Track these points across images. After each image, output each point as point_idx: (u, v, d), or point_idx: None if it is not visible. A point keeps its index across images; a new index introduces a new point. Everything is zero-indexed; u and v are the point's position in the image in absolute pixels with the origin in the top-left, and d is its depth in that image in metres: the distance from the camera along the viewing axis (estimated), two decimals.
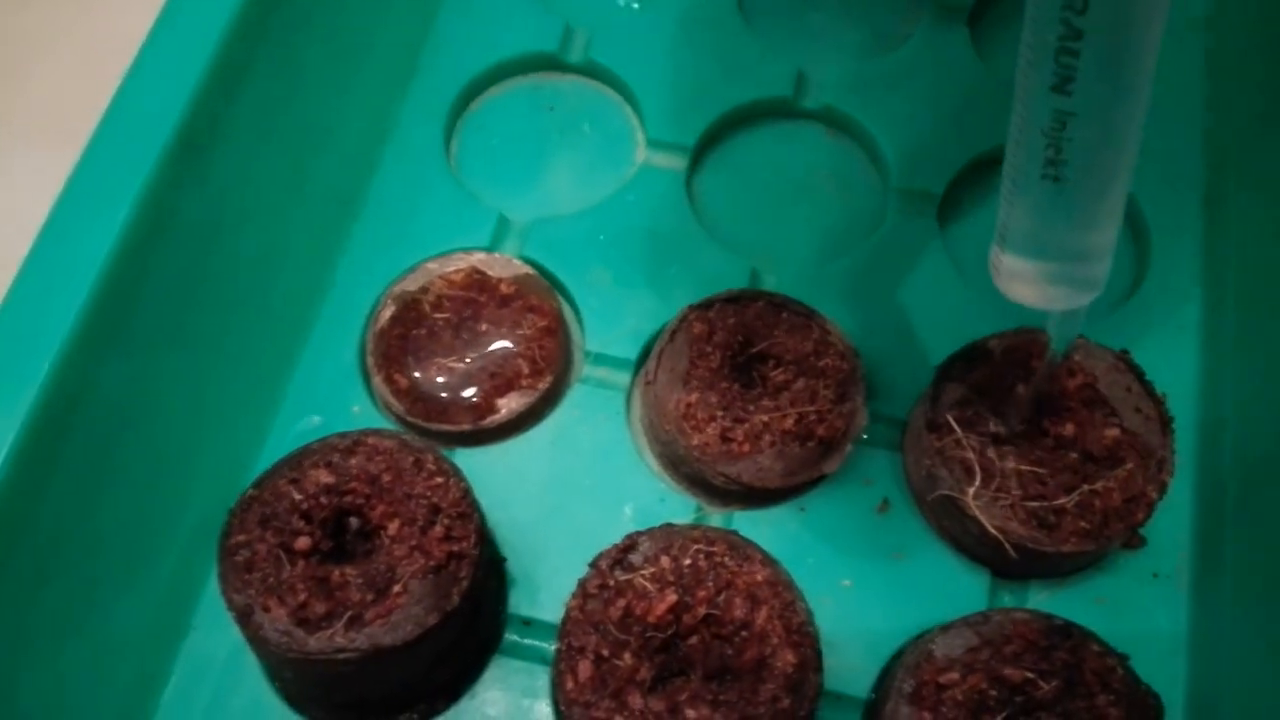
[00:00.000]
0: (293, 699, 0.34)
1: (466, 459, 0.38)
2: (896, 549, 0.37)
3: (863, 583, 0.36)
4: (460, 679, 0.34)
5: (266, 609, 0.30)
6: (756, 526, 0.37)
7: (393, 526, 0.31)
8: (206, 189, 0.34)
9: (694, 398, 0.36)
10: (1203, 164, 0.44)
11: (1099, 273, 0.26)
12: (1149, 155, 0.43)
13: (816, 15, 0.48)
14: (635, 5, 0.48)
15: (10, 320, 0.29)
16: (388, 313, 0.39)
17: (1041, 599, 0.36)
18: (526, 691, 0.35)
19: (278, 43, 0.37)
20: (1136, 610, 0.36)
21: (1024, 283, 0.27)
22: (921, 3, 0.48)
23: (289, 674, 0.33)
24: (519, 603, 0.36)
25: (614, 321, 0.41)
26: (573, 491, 0.38)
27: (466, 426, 0.38)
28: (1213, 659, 0.35)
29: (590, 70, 0.47)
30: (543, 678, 0.35)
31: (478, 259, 0.40)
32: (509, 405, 0.38)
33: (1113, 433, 0.34)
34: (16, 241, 0.31)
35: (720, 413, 0.36)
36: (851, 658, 0.35)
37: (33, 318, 0.29)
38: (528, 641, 0.36)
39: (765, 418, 0.36)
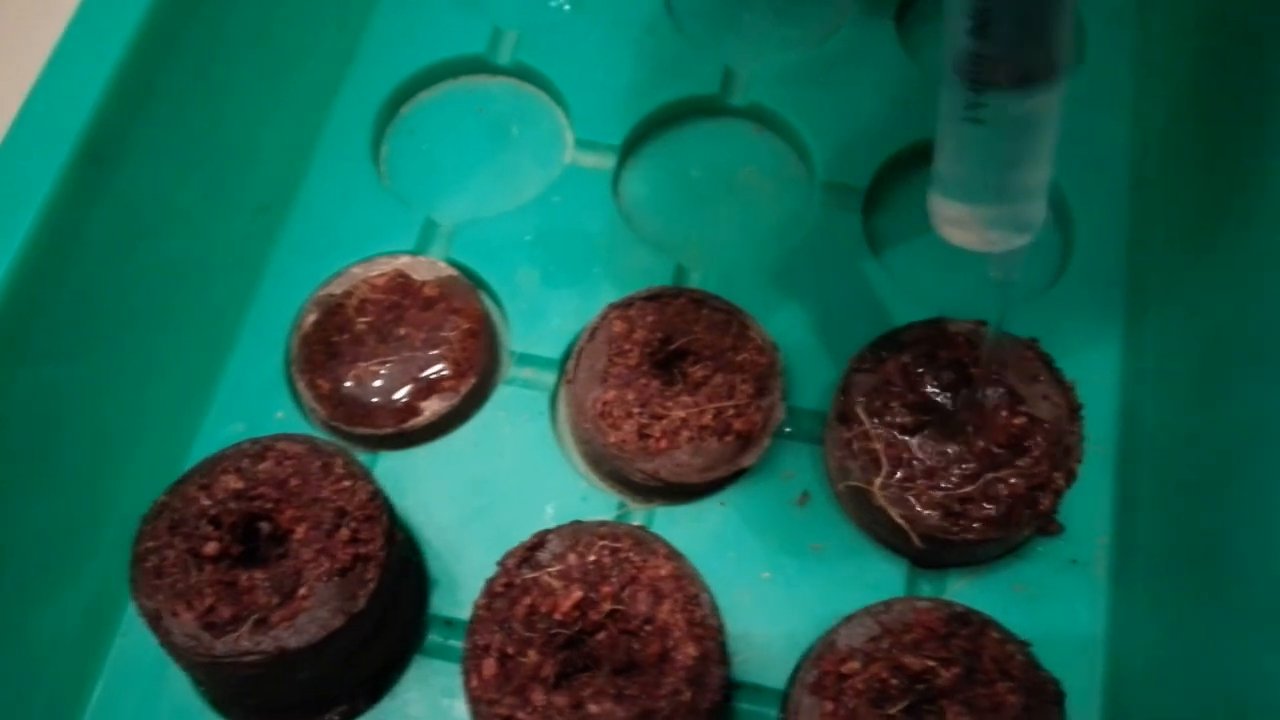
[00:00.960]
0: (216, 702, 0.35)
1: (390, 462, 0.38)
2: (816, 541, 0.37)
3: (782, 575, 0.37)
4: (381, 679, 0.35)
5: (175, 613, 0.30)
6: (677, 521, 0.37)
7: (300, 530, 0.31)
8: (119, 199, 0.35)
9: (611, 395, 0.37)
10: (1128, 150, 0.44)
11: (1032, 213, 0.27)
12: (1075, 143, 0.44)
13: (745, 13, 0.48)
14: (566, 7, 0.48)
15: None
16: (311, 318, 0.39)
17: (959, 587, 0.36)
18: (446, 691, 0.35)
19: (193, 54, 0.37)
20: (1055, 597, 0.36)
21: (960, 227, 0.27)
22: None
23: (203, 677, 0.33)
24: (441, 604, 0.36)
25: (540, 322, 0.41)
26: (496, 492, 0.38)
27: (389, 430, 0.38)
28: (1128, 644, 0.35)
29: (519, 72, 0.47)
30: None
31: (402, 262, 0.41)
32: (432, 408, 0.38)
33: (1021, 421, 0.34)
34: None
35: (638, 409, 0.37)
36: (770, 649, 0.35)
37: None
38: (450, 642, 0.36)
39: (683, 413, 0.37)
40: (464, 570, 0.37)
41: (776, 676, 0.35)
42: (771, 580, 0.37)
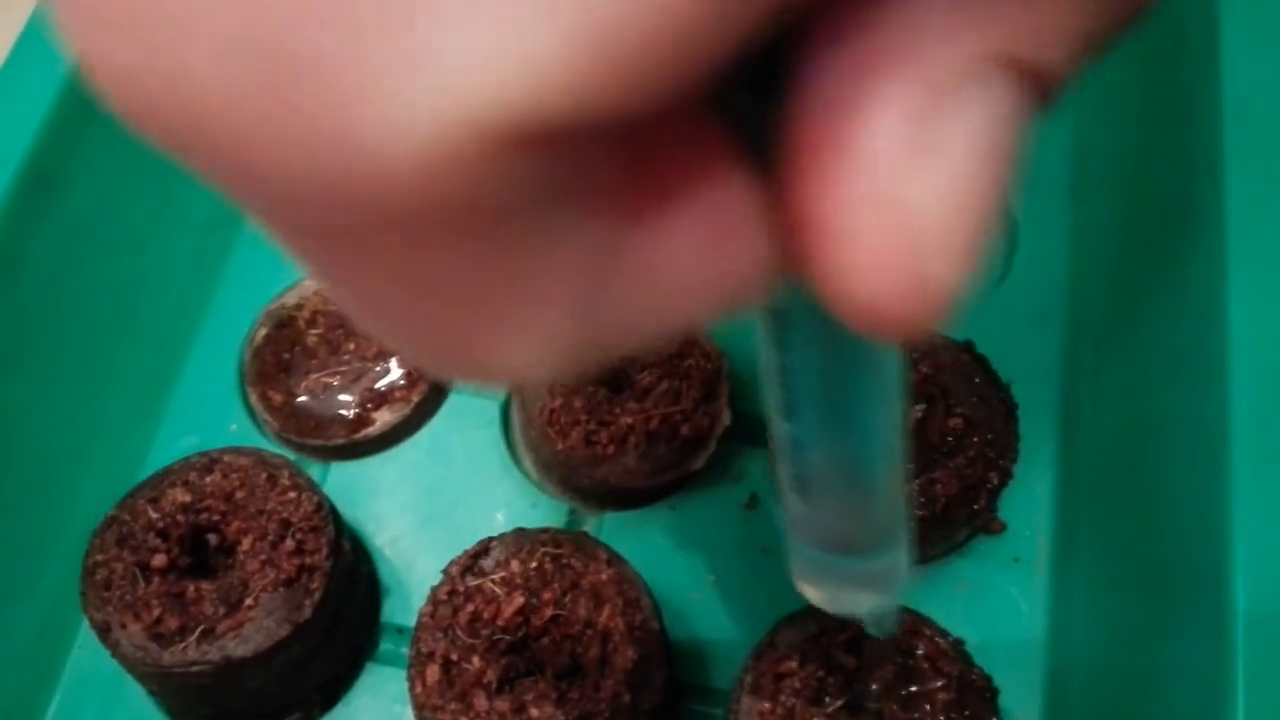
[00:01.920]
0: (172, 712, 0.35)
1: (343, 472, 0.39)
2: (764, 543, 0.38)
3: (731, 577, 0.37)
4: (334, 687, 0.35)
5: (123, 625, 0.31)
6: (627, 527, 0.38)
7: (246, 542, 0.32)
8: (66, 220, 0.35)
9: (558, 403, 0.37)
10: (1069, 157, 0.45)
11: (887, 575, 0.24)
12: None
13: None
14: None
15: None
16: (263, 331, 0.40)
17: None
18: (397, 697, 0.35)
19: None
20: (997, 594, 0.37)
21: (810, 584, 0.25)
22: None
23: (155, 688, 0.34)
24: (393, 611, 0.37)
25: None
26: (447, 500, 0.39)
27: (341, 440, 0.38)
28: (1068, 639, 0.36)
29: None
30: None
31: None
32: (383, 418, 0.39)
33: (955, 422, 0.35)
34: None
35: (585, 416, 0.37)
36: (718, 650, 0.36)
37: None
38: (402, 649, 0.36)
39: (630, 420, 0.37)
40: (416, 578, 0.37)
41: (723, 677, 0.35)
42: (720, 582, 0.37)
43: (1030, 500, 0.38)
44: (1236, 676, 0.27)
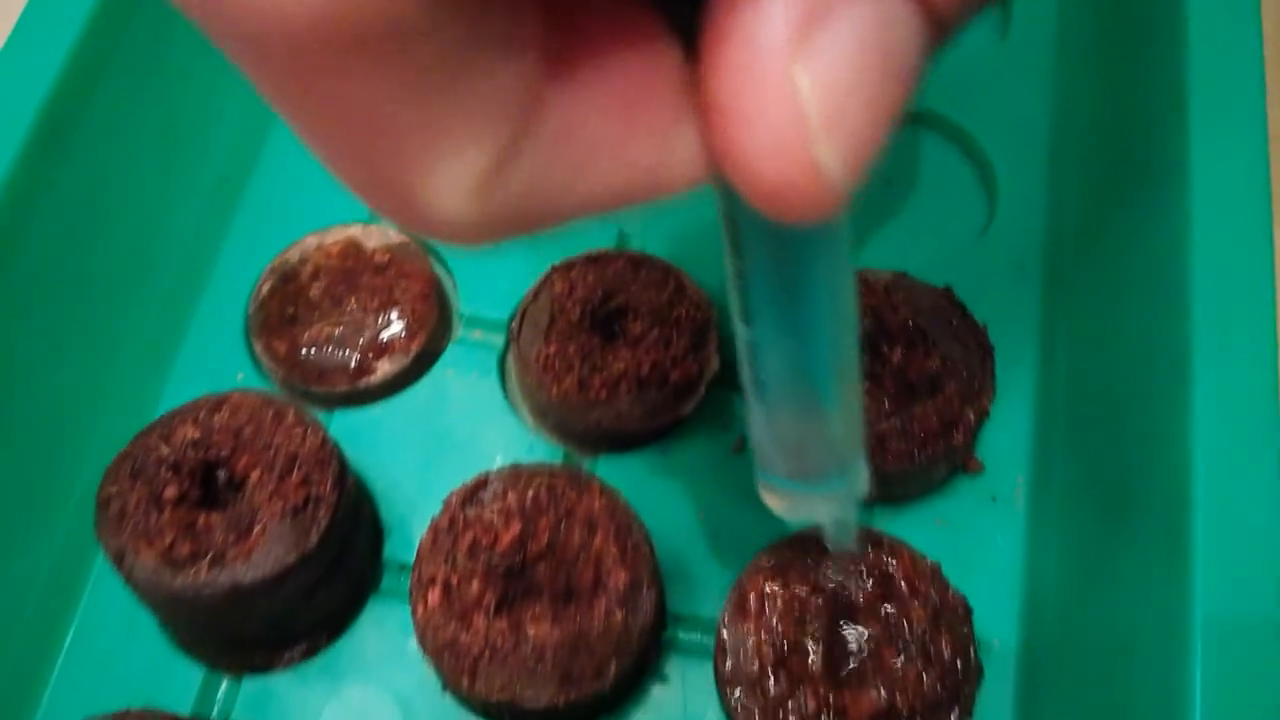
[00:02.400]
0: (184, 642, 0.37)
1: (346, 419, 0.40)
2: (751, 484, 0.39)
3: (719, 515, 0.39)
4: (339, 618, 0.37)
5: (137, 552, 0.32)
6: (620, 469, 0.39)
7: (255, 475, 0.33)
8: (77, 175, 0.36)
9: (553, 349, 0.39)
10: (1049, 117, 0.46)
11: (846, 489, 0.26)
12: (999, 109, 0.46)
13: None
14: None
15: None
16: (267, 285, 0.41)
17: (885, 520, 0.38)
18: (401, 628, 0.37)
19: (148, 30, 0.39)
20: (975, 531, 0.38)
21: (772, 494, 0.26)
22: None
23: (167, 614, 0.35)
24: (395, 549, 0.38)
25: (488, 284, 0.43)
26: (447, 445, 0.40)
27: (344, 388, 0.40)
28: (1042, 572, 0.37)
29: None
30: None
31: (355, 231, 0.43)
32: (384, 368, 0.40)
33: (933, 363, 0.36)
34: None
35: (578, 362, 0.39)
36: (708, 583, 0.38)
37: None
38: (405, 585, 0.38)
39: (622, 366, 0.39)
40: (417, 518, 0.39)
41: (712, 608, 0.37)
42: (708, 521, 0.39)
43: (1008, 441, 0.39)
44: (1194, 607, 0.28)
